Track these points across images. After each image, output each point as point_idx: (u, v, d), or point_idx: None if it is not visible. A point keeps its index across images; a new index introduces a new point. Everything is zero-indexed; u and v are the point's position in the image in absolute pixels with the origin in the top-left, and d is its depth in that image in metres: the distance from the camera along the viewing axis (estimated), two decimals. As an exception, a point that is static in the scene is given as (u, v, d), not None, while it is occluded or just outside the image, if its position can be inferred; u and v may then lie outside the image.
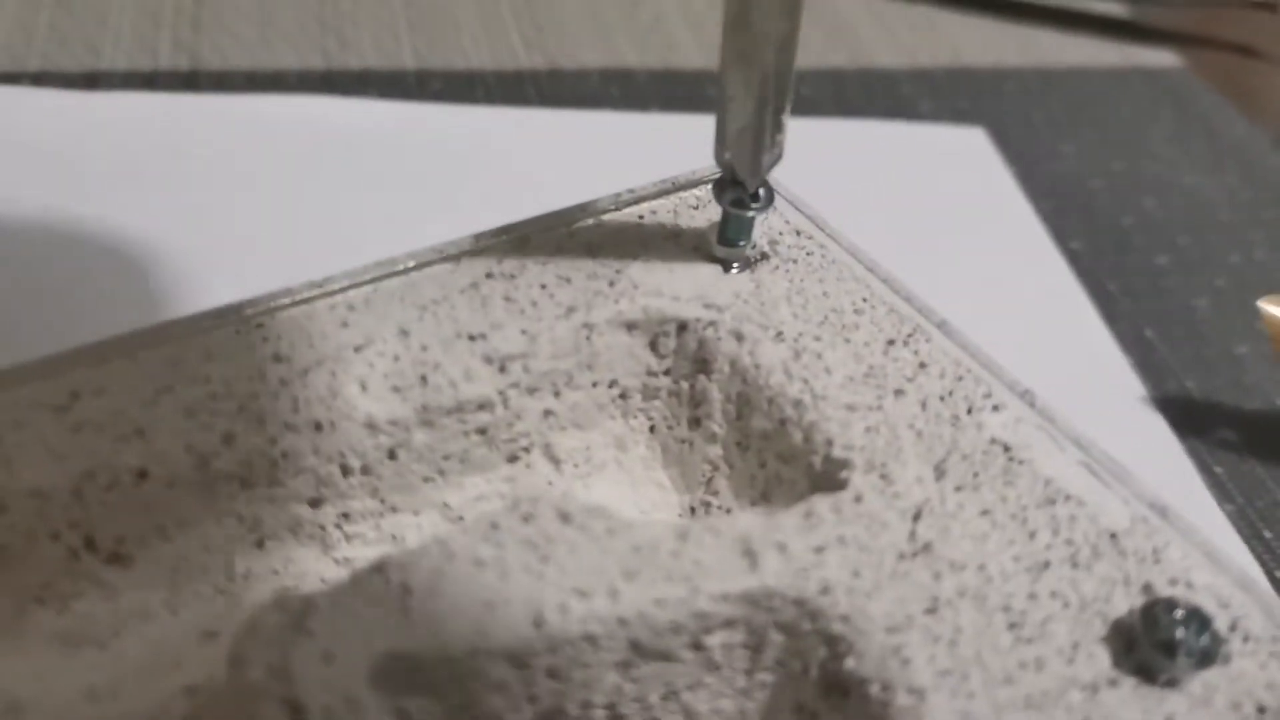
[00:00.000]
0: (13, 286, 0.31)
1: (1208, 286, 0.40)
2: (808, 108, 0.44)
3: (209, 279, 0.32)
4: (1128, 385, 0.35)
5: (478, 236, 0.22)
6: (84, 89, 0.39)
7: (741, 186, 0.22)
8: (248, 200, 0.36)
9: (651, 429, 0.22)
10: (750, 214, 0.22)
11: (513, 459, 0.21)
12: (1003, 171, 0.43)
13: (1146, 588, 0.17)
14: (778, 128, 0.21)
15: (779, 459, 0.20)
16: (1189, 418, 0.35)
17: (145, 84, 0.40)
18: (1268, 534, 0.32)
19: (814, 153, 0.41)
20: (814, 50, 0.47)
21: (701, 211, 0.24)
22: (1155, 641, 0.16)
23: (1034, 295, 0.38)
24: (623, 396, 0.22)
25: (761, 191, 0.22)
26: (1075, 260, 0.40)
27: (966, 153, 0.44)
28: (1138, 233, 0.42)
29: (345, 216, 0.36)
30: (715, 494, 0.21)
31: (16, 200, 0.34)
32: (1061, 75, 0.50)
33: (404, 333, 0.20)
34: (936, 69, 0.49)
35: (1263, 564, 0.31)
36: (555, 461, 0.21)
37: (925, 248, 0.37)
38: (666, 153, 0.40)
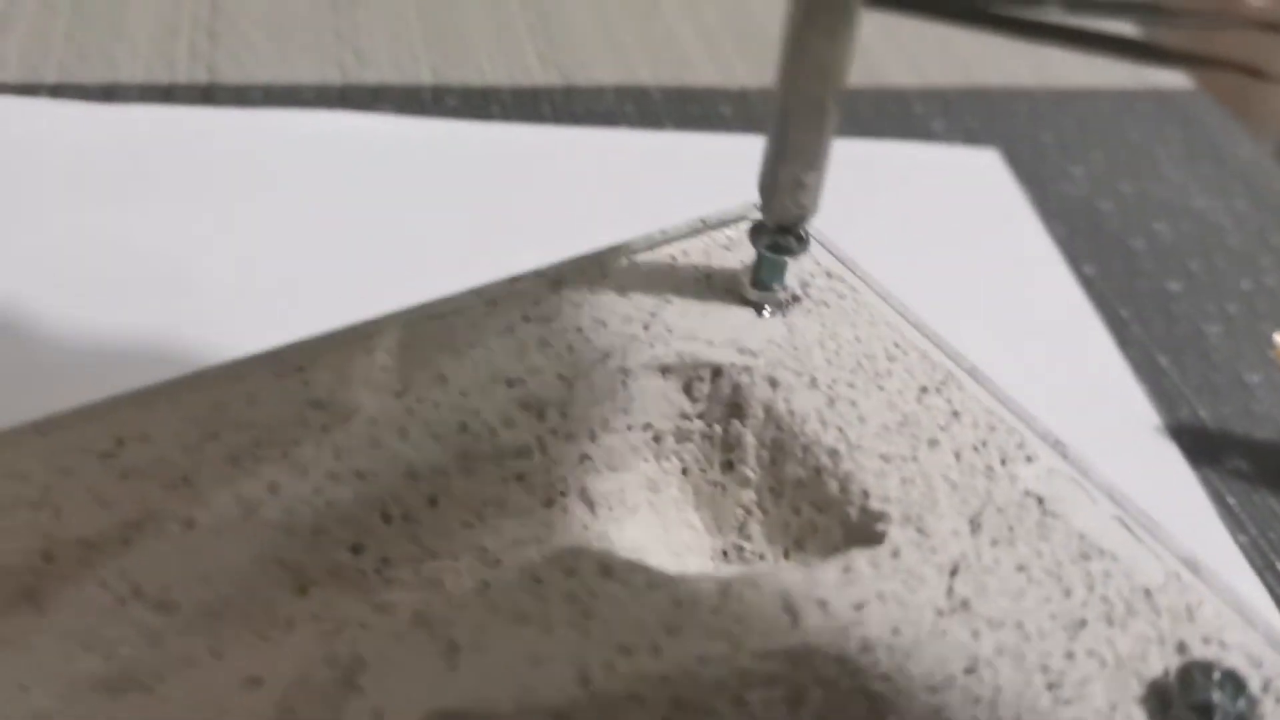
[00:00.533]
0: (35, 310, 0.31)
1: (1219, 313, 0.40)
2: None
3: (227, 296, 0.33)
4: (1142, 413, 0.35)
5: (513, 279, 0.22)
6: (101, 101, 0.39)
7: (778, 231, 0.22)
8: (265, 216, 0.36)
9: (684, 471, 0.22)
10: (785, 258, 0.22)
11: (549, 503, 0.21)
12: (1016, 193, 0.44)
13: (1181, 646, 0.18)
14: (818, 174, 0.21)
15: (813, 507, 0.20)
16: (1202, 447, 0.35)
17: (162, 97, 0.40)
18: (1280, 566, 0.32)
19: (829, 174, 0.42)
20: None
21: (733, 252, 0.24)
22: (1191, 704, 0.16)
23: (1050, 320, 0.38)
24: (656, 439, 0.22)
25: (798, 237, 0.22)
26: (1089, 285, 0.40)
27: (981, 174, 0.44)
28: (1148, 257, 0.42)
29: (362, 232, 0.36)
30: (748, 539, 0.21)
31: (35, 212, 0.34)
32: (1072, 95, 0.50)
33: (442, 379, 0.20)
34: (948, 88, 0.49)
35: (1275, 597, 0.31)
36: (590, 505, 0.21)
37: (941, 272, 0.38)
38: (682, 172, 0.41)
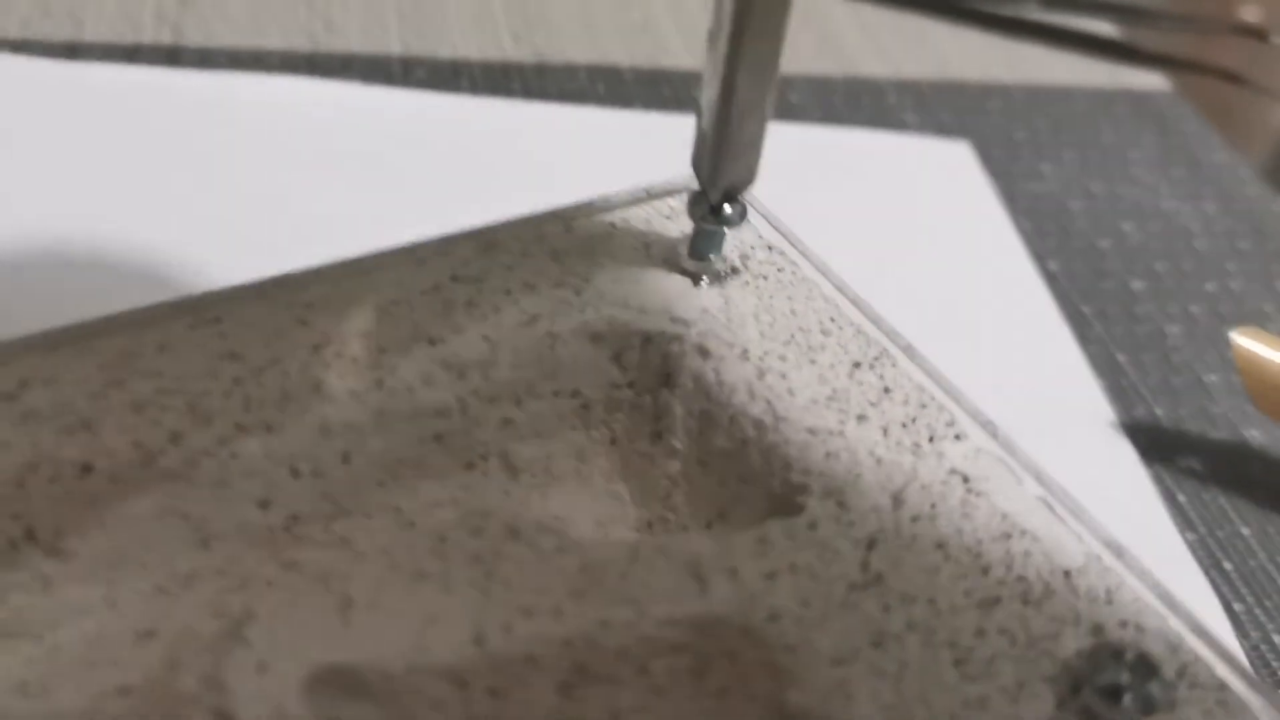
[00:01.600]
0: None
1: (1182, 314, 0.40)
2: (794, 113, 0.44)
3: (175, 258, 0.32)
4: (1098, 409, 0.35)
5: (444, 238, 0.22)
6: (64, 59, 0.39)
7: (709, 202, 0.21)
8: (222, 180, 0.35)
9: (613, 441, 0.22)
10: (722, 229, 0.22)
11: (469, 466, 0.20)
12: (986, 188, 0.43)
13: (1097, 629, 0.17)
14: (752, 145, 0.21)
15: (739, 479, 0.20)
16: (1156, 445, 0.35)
17: (126, 57, 0.40)
18: (1227, 565, 0.32)
19: (798, 158, 0.41)
20: (802, 57, 0.47)
21: (674, 222, 0.23)
22: (1100, 686, 0.16)
23: (1011, 314, 0.38)
24: (585, 408, 0.21)
25: (734, 208, 0.22)
26: (1052, 281, 0.40)
27: (951, 167, 0.44)
28: (1114, 256, 0.42)
29: (320, 200, 0.35)
30: (673, 510, 0.21)
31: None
32: (1048, 93, 0.50)
33: (363, 334, 0.20)
34: (923, 81, 0.49)
35: (1220, 595, 0.31)
36: (513, 471, 0.21)
37: (906, 261, 0.37)
38: (648, 151, 0.40)
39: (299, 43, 0.42)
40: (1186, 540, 0.32)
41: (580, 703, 0.17)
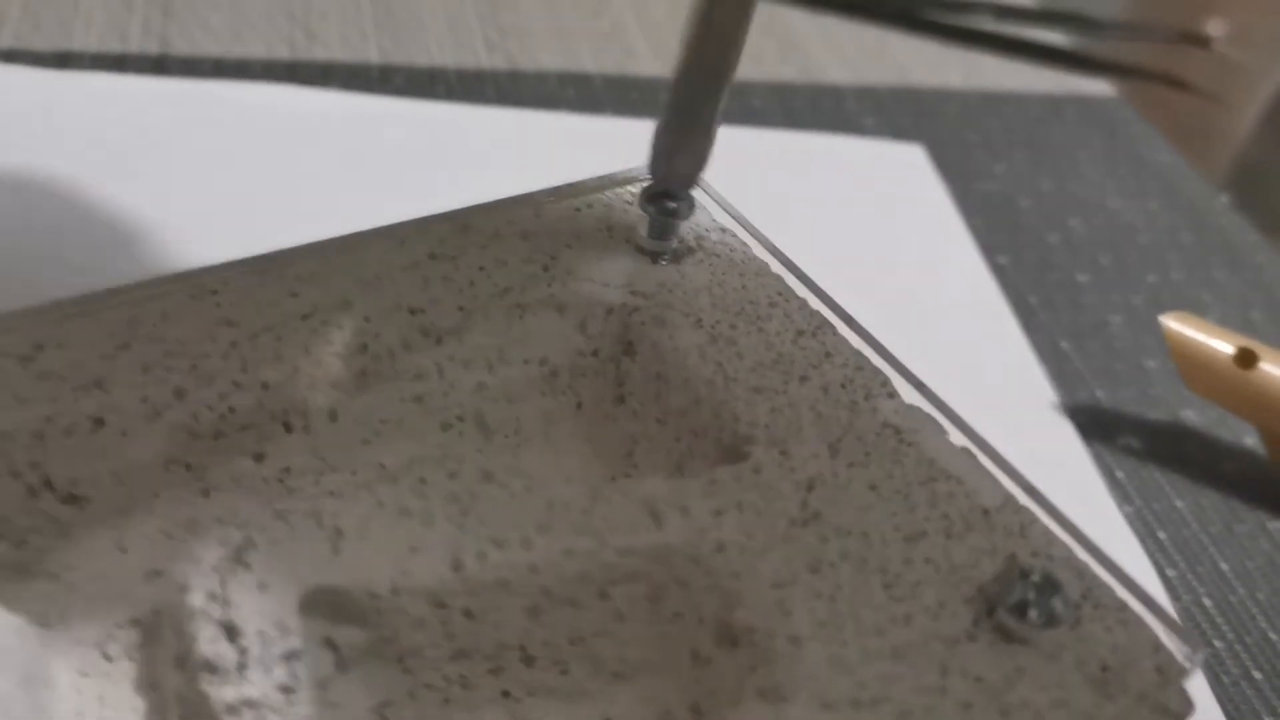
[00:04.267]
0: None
1: (1123, 303, 0.42)
2: (756, 118, 0.46)
3: (167, 254, 0.34)
4: (1041, 392, 0.37)
5: (423, 219, 0.24)
6: (55, 68, 0.40)
7: (666, 194, 0.23)
8: (208, 181, 0.37)
9: (579, 405, 0.24)
10: (673, 221, 0.24)
11: (446, 427, 0.22)
12: (939, 187, 0.45)
13: (1011, 558, 0.19)
14: (704, 136, 0.23)
15: (692, 434, 0.22)
16: (1096, 424, 0.37)
17: (115, 66, 0.41)
18: (1161, 535, 0.34)
19: (759, 160, 0.44)
20: (766, 63, 0.49)
21: (634, 206, 0.25)
22: (1010, 604, 0.18)
23: (960, 304, 0.40)
24: (552, 374, 0.23)
25: (683, 201, 0.24)
26: (1001, 274, 0.42)
27: (905, 167, 0.46)
28: (1061, 250, 0.44)
29: (302, 201, 0.37)
30: (635, 466, 0.23)
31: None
32: (1000, 99, 0.52)
33: (348, 304, 0.22)
34: (882, 87, 0.51)
35: (1155, 563, 0.33)
36: (486, 432, 0.23)
37: (860, 255, 0.40)
38: (616, 154, 0.42)
39: (280, 51, 0.44)
40: (1124, 512, 0.34)
41: (547, 625, 0.18)
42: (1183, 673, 0.18)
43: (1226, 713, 0.29)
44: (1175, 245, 0.46)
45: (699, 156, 0.23)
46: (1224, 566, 0.33)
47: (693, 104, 0.22)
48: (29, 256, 0.33)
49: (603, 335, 0.23)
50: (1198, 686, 0.30)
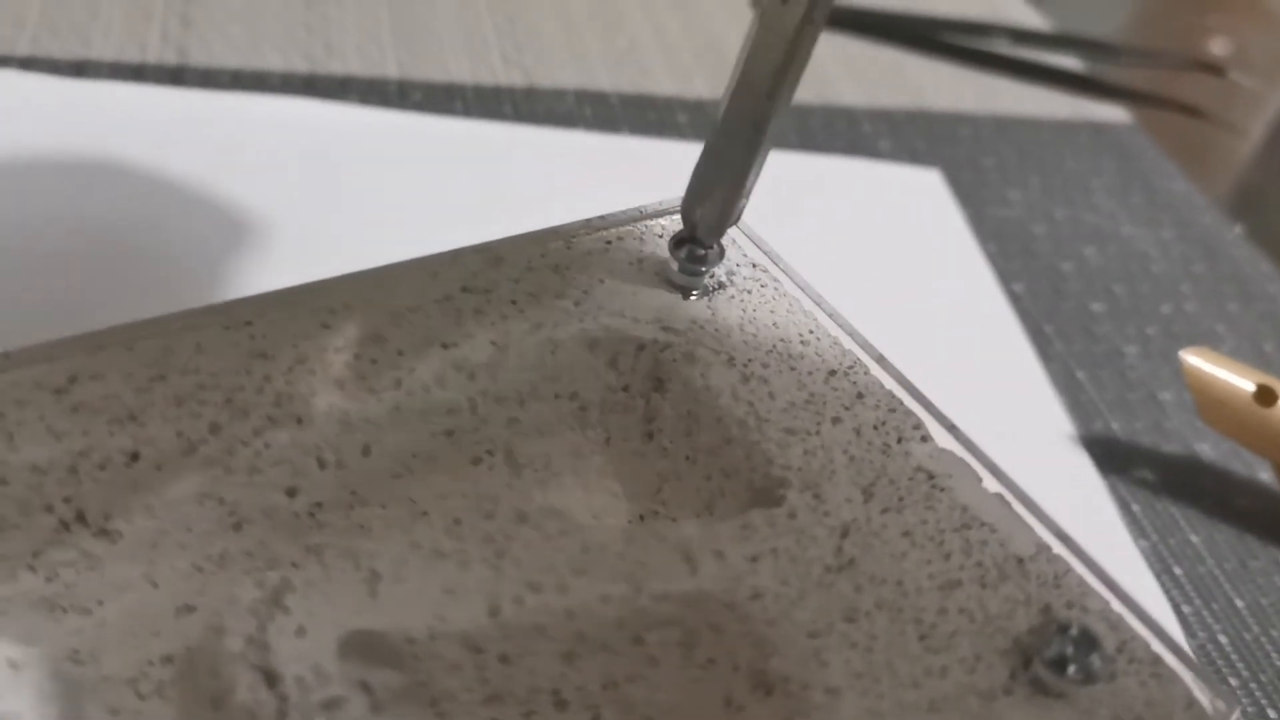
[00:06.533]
0: None
1: (1138, 334, 0.42)
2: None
3: (182, 266, 0.34)
4: (1058, 423, 0.37)
5: (455, 252, 0.24)
6: (72, 76, 0.40)
7: (697, 241, 0.23)
8: (225, 194, 0.37)
9: (607, 441, 0.24)
10: (698, 265, 0.24)
11: (476, 461, 0.22)
12: (955, 212, 0.45)
13: (1046, 609, 0.19)
14: (735, 189, 0.23)
15: (723, 474, 0.22)
16: (1111, 457, 0.37)
17: (132, 75, 0.41)
18: (1177, 570, 0.34)
19: (775, 184, 0.43)
20: (782, 85, 0.49)
21: (665, 239, 0.25)
22: (1047, 658, 0.18)
23: (977, 333, 0.40)
24: (582, 409, 0.23)
25: (713, 251, 0.24)
26: (1016, 301, 0.42)
27: (922, 192, 0.46)
28: (1075, 279, 0.44)
29: (321, 216, 0.37)
30: (663, 504, 0.23)
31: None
32: (1015, 123, 0.52)
33: (381, 338, 0.21)
34: (897, 110, 0.51)
35: (1171, 599, 0.33)
36: (516, 466, 0.23)
37: (878, 281, 0.39)
38: (634, 173, 0.42)
39: (298, 64, 0.44)
40: (1140, 547, 0.34)
41: (581, 670, 0.18)
42: (1217, 729, 0.18)
43: (1243, 754, 0.29)
44: (1189, 276, 0.46)
45: (728, 210, 0.23)
46: (1239, 603, 0.33)
47: (728, 157, 0.22)
48: (45, 267, 0.32)
49: (633, 371, 0.23)
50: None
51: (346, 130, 0.41)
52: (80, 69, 0.41)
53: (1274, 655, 0.32)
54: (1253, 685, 0.31)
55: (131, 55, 0.42)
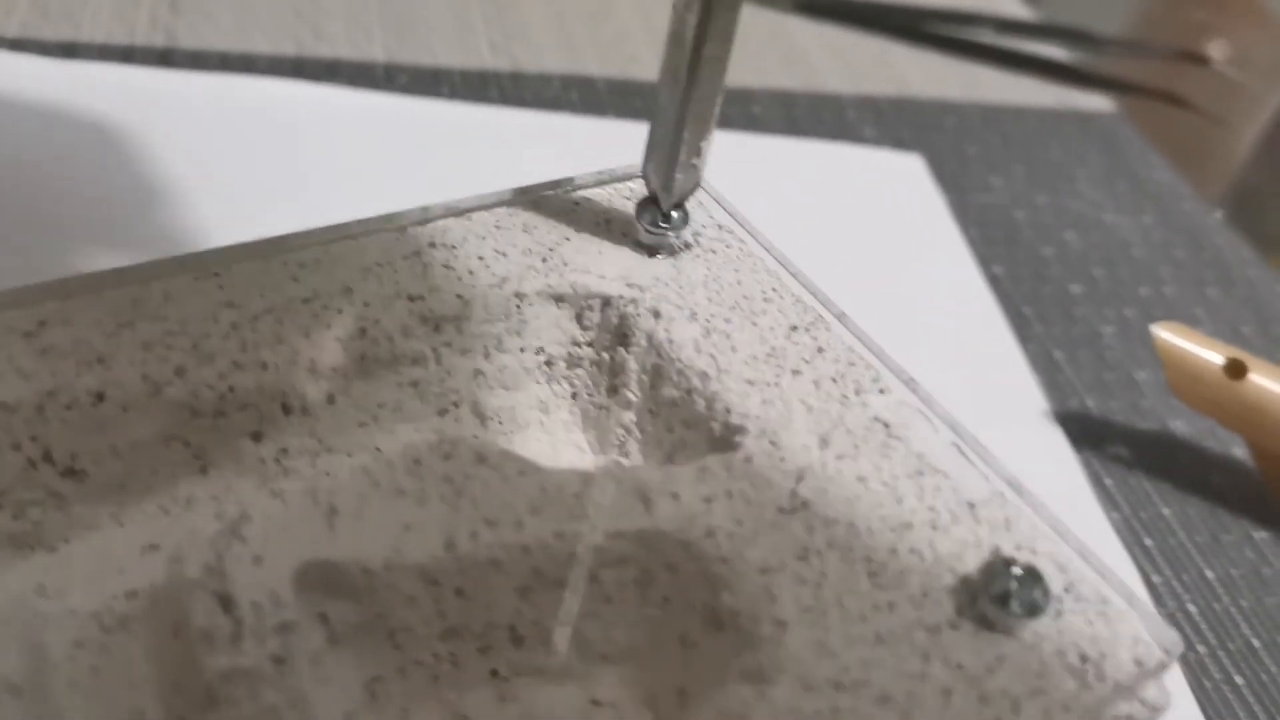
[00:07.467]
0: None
1: (1115, 316, 0.42)
2: (757, 125, 0.47)
3: (169, 243, 0.34)
4: (1033, 400, 0.38)
5: (424, 209, 0.24)
6: (62, 58, 0.41)
7: (658, 207, 0.24)
8: (210, 175, 0.37)
9: (573, 395, 0.24)
10: (665, 230, 0.24)
11: (442, 412, 0.23)
12: (936, 197, 0.46)
13: (995, 551, 0.20)
14: (695, 152, 0.23)
15: (684, 425, 0.22)
16: (1086, 433, 0.37)
17: (121, 57, 0.42)
18: (1148, 541, 0.34)
19: (760, 167, 0.44)
20: (768, 72, 0.50)
21: (632, 202, 0.26)
22: (992, 594, 0.18)
23: (955, 313, 0.40)
24: (548, 364, 0.24)
25: (678, 214, 0.24)
26: (996, 284, 0.42)
27: (904, 177, 0.47)
28: (1056, 263, 0.44)
29: (304, 194, 0.37)
30: (627, 455, 0.23)
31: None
32: (999, 112, 0.53)
33: (348, 290, 0.22)
34: (882, 97, 0.51)
35: (1141, 569, 0.33)
36: (482, 418, 0.23)
37: (860, 263, 0.40)
38: (619, 156, 0.42)
39: (286, 48, 0.44)
40: (1112, 519, 0.34)
41: (537, 605, 0.19)
42: (1161, 665, 0.18)
43: (1208, 717, 0.29)
44: (1169, 260, 0.46)
45: (671, 167, 0.23)
46: (1209, 574, 0.34)
47: (666, 112, 0.22)
48: (32, 243, 0.33)
49: (599, 327, 0.24)
50: (1180, 692, 0.30)
51: (333, 112, 0.41)
52: (70, 50, 0.41)
53: (1242, 624, 0.32)
54: (1220, 653, 0.31)
55: (120, 38, 0.43)
